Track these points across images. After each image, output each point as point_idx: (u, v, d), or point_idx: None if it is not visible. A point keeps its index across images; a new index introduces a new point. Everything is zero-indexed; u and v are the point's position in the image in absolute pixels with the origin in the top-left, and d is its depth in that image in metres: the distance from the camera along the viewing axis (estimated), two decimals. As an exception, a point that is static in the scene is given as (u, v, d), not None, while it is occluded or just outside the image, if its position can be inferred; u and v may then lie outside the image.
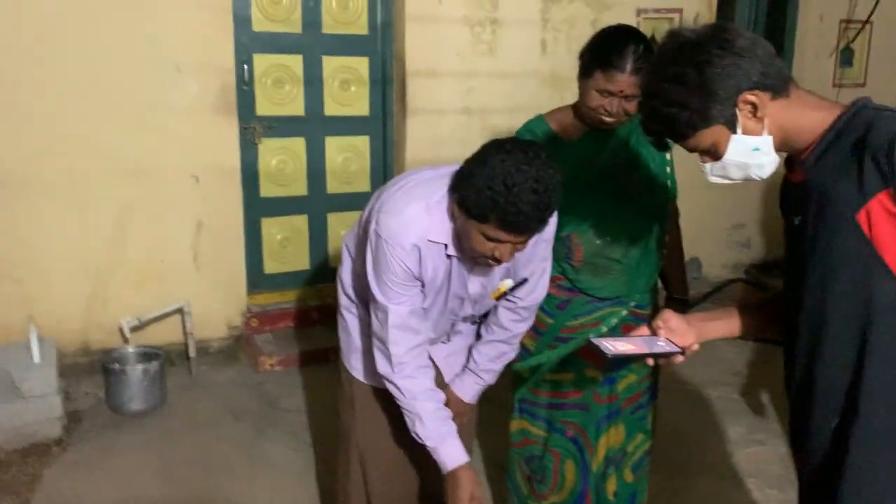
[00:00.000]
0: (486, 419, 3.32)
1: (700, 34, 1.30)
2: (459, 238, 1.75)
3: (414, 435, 1.86)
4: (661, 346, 1.47)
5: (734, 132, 1.29)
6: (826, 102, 1.31)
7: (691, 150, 1.36)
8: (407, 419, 1.87)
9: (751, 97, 1.26)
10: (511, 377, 2.40)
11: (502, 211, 1.56)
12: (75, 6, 3.53)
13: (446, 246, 1.79)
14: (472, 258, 1.77)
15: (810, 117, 1.29)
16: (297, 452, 3.17)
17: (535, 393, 2.36)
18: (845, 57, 5.52)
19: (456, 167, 1.75)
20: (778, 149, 1.31)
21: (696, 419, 3.49)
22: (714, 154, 1.33)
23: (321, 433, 3.27)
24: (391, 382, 1.86)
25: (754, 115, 1.28)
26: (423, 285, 1.83)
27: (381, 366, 1.87)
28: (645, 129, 1.40)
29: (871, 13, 5.28)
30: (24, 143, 3.57)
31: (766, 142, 1.29)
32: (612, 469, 2.34)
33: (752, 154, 1.30)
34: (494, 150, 1.61)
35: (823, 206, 1.25)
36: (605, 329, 2.24)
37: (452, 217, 1.74)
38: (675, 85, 1.28)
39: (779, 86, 1.28)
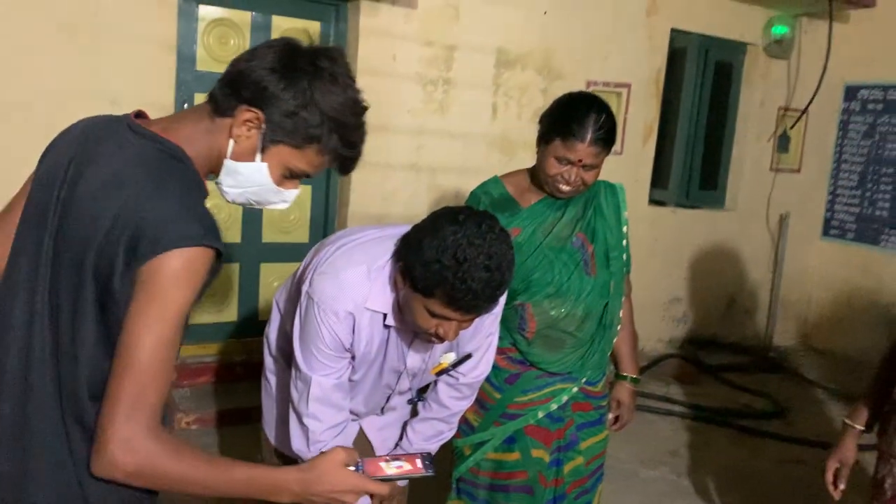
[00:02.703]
0: (423, 499, 3.13)
1: None
2: (401, 309, 1.60)
3: None
4: (416, 467, 1.37)
5: None
6: None
7: None
8: None
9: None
10: (450, 454, 2.24)
11: (451, 287, 1.43)
12: (10, 33, 3.33)
13: (385, 316, 1.64)
14: (413, 331, 1.63)
15: None
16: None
17: (475, 473, 2.19)
18: (782, 143, 5.69)
19: (403, 228, 1.62)
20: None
21: (635, 500, 3.37)
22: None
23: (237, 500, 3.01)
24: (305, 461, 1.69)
25: None
26: (353, 357, 1.67)
27: (296, 442, 1.71)
28: None
29: (810, 103, 5.47)
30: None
31: None
32: (554, 558, 2.18)
33: None
34: (446, 220, 1.48)
35: None
36: (554, 406, 2.11)
37: (395, 286, 1.59)
38: None
39: None
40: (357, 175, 4.19)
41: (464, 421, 2.19)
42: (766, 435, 4.15)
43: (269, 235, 4.23)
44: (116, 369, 1.08)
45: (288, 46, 1.24)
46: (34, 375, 1.15)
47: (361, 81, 4.33)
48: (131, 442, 1.06)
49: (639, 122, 5.07)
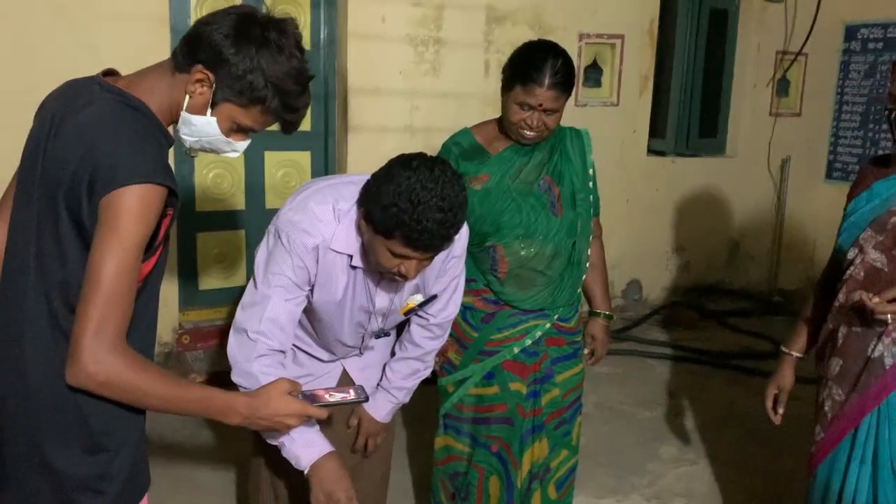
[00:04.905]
0: (416, 439, 3.29)
1: None
2: (366, 250, 1.71)
3: (266, 435, 1.72)
4: (352, 396, 1.56)
5: None
6: None
7: None
8: None
9: None
10: (438, 394, 2.37)
11: (408, 228, 1.54)
12: (3, 19, 3.45)
13: (351, 257, 1.75)
14: (379, 272, 1.74)
15: None
16: (218, 472, 3.08)
17: (459, 408, 2.32)
18: (782, 87, 5.67)
19: (367, 177, 1.73)
20: None
21: (629, 439, 3.49)
22: None
23: (245, 452, 3.18)
24: (245, 371, 1.70)
25: None
26: (311, 291, 1.78)
27: (241, 352, 1.71)
28: None
29: (804, 44, 5.45)
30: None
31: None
32: (537, 484, 2.31)
33: None
34: (401, 167, 1.59)
35: None
36: (528, 342, 2.22)
37: (359, 230, 1.70)
38: None
39: None
40: (353, 138, 4.30)
41: (446, 361, 2.31)
42: (762, 374, 4.23)
43: (272, 202, 4.34)
44: (84, 292, 1.23)
45: (244, 15, 1.37)
46: (29, 298, 1.32)
47: (352, 46, 4.42)
48: (99, 355, 1.21)
49: (634, 74, 5.09)
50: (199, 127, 1.37)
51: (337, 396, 1.51)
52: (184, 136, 1.41)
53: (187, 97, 1.35)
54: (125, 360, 1.23)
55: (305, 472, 1.68)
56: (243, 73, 1.33)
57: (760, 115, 5.66)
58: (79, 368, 1.22)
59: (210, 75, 1.33)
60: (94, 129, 1.28)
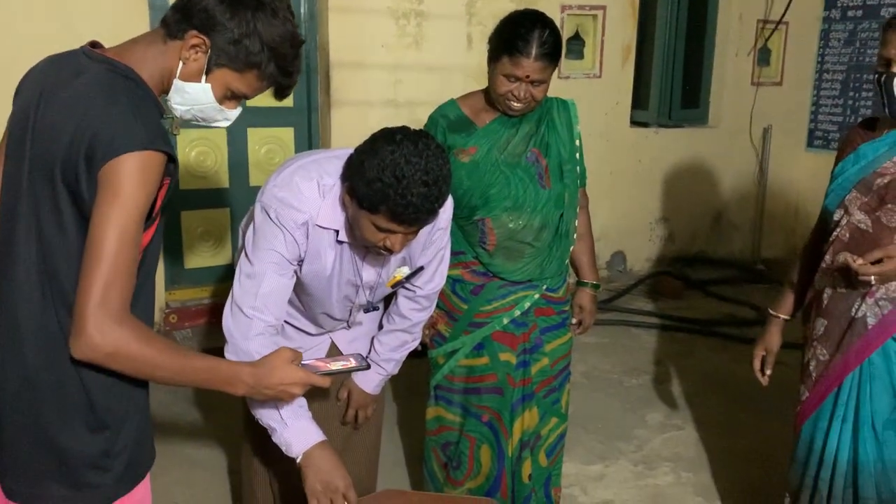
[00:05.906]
0: (407, 411, 3.32)
1: None
2: (351, 225, 1.71)
3: (259, 417, 1.69)
4: (352, 364, 1.64)
5: None
6: None
7: None
8: (250, 401, 1.65)
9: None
10: (429, 366, 2.39)
11: (393, 203, 1.54)
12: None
13: (337, 232, 1.75)
14: (365, 246, 1.74)
15: None
16: (209, 448, 3.10)
17: (450, 379, 2.35)
18: (763, 56, 5.70)
19: (350, 151, 1.72)
20: None
21: (616, 406, 3.54)
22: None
23: (236, 429, 3.20)
24: (241, 349, 1.68)
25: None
26: (300, 266, 1.78)
27: (238, 329, 1.70)
28: None
29: (784, 13, 5.47)
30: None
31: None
32: (527, 452, 2.34)
33: None
34: (384, 141, 1.57)
35: None
36: (517, 313, 2.24)
37: (343, 205, 1.70)
38: None
39: None
40: (336, 113, 4.27)
41: (436, 333, 2.33)
42: (746, 341, 4.30)
43: (256, 178, 4.33)
44: (86, 262, 1.21)
45: None
46: (20, 275, 1.30)
47: (333, 19, 4.38)
48: (105, 326, 1.19)
49: (616, 45, 5.09)
50: (193, 94, 1.35)
51: (338, 365, 1.53)
52: (175, 106, 1.38)
53: (181, 64, 1.33)
54: (132, 331, 1.22)
55: (298, 459, 1.66)
56: (240, 37, 1.31)
57: (742, 84, 5.69)
58: (84, 340, 1.20)
59: (206, 40, 1.31)
60: (87, 100, 1.25)
